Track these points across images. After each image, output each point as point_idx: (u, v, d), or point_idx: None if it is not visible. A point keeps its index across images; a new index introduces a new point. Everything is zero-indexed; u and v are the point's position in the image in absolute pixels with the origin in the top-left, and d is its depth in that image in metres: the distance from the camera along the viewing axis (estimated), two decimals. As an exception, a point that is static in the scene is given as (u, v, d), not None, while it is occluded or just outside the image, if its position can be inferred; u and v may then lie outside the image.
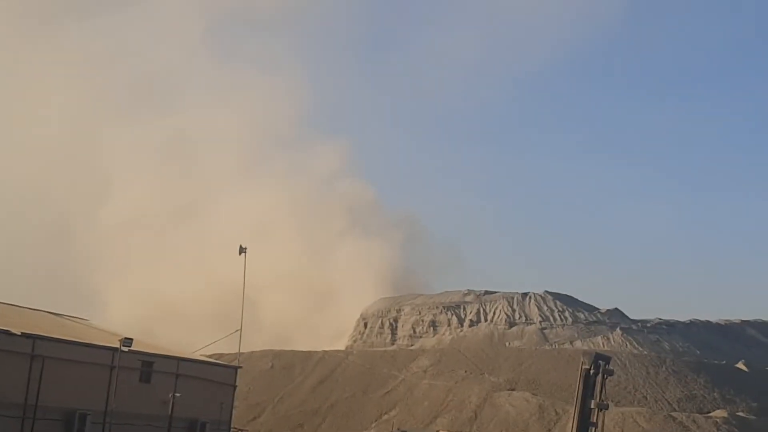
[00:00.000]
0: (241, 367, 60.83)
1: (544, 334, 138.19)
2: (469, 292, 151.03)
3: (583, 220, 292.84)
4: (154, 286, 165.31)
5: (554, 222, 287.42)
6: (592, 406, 36.02)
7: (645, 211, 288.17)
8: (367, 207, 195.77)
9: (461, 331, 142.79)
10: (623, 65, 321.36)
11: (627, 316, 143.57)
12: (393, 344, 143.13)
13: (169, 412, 50.34)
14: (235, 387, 56.66)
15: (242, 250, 60.63)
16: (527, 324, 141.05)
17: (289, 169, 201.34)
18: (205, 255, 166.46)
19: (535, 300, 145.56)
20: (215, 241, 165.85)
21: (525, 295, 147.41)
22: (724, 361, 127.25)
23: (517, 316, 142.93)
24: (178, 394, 50.39)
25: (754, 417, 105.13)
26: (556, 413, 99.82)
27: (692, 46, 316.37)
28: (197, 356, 58.78)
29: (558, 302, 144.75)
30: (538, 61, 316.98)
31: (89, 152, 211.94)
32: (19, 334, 43.74)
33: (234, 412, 57.34)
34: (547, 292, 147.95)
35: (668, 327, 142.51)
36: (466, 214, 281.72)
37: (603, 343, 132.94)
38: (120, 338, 46.63)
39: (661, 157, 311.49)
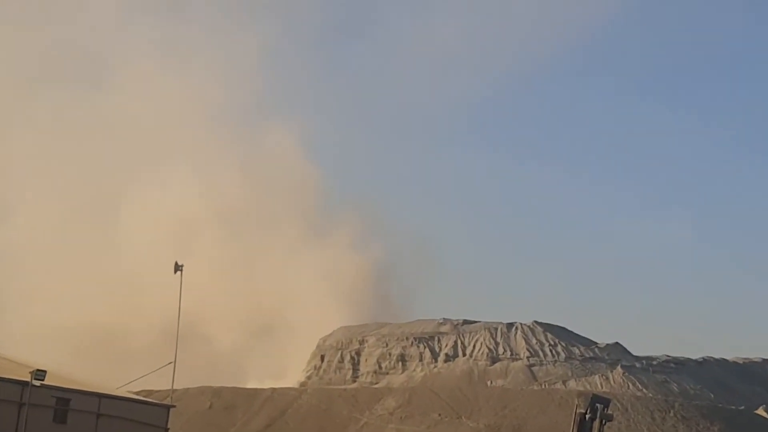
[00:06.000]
0: (174, 407, 60.56)
1: (532, 371, 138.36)
2: (445, 321, 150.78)
3: (579, 238, 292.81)
4: (73, 310, 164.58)
5: (545, 239, 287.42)
6: (588, 457, 36.30)
7: (651, 229, 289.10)
8: (325, 212, 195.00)
9: (435, 366, 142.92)
10: (621, 64, 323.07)
11: (629, 352, 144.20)
12: (354, 381, 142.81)
13: (89, 458, 50.00)
14: (167, 430, 56.43)
15: (178, 267, 60.33)
16: (513, 359, 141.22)
17: (230, 158, 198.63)
18: (131, 272, 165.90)
19: (523, 331, 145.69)
20: (140, 251, 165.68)
21: (510, 325, 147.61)
22: (743, 407, 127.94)
23: (501, 350, 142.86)
24: (99, 438, 50.06)
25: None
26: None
27: (694, 42, 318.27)
28: (123, 393, 58.48)
29: (549, 334, 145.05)
30: (529, 58, 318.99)
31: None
32: None
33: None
34: (536, 322, 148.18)
35: (677, 365, 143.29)
36: (441, 226, 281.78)
37: (601, 383, 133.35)
38: (31, 370, 46.27)
39: (674, 166, 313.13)
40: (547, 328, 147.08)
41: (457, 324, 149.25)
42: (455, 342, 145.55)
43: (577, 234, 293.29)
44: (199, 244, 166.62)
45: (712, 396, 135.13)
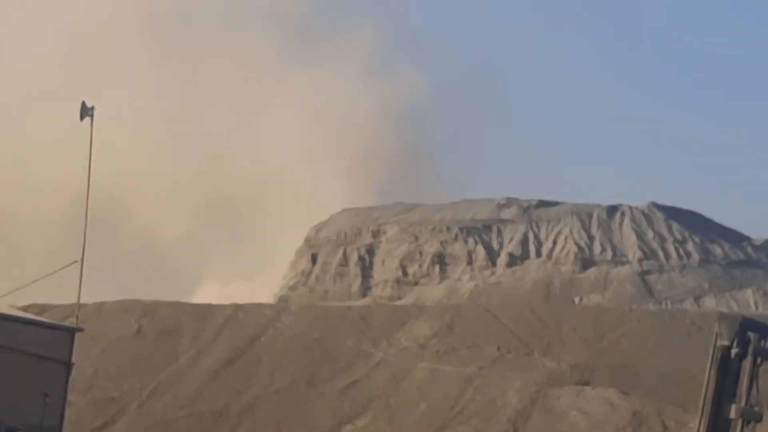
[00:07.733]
0: (81, 330, 61.14)
1: (646, 281, 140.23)
2: (510, 201, 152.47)
3: (728, 61, 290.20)
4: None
5: (671, 65, 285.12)
6: (732, 415, 36.37)
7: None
8: (324, 15, 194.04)
9: (493, 273, 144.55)
10: None
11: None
12: (365, 295, 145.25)
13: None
14: (70, 366, 57.12)
15: (86, 111, 57.75)
16: (616, 263, 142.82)
17: None
18: (6, 119, 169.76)
19: (633, 219, 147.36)
20: (20, 85, 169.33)
21: (614, 209, 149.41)
22: None
23: (597, 248, 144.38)
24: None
25: None
26: (665, 427, 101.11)
27: None
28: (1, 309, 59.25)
29: (674, 224, 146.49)
30: None
31: None
32: None
33: (68, 412, 57.89)
34: (654, 204, 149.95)
35: None
36: (511, 43, 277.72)
37: (756, 301, 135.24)
38: None
39: None
40: (672, 214, 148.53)
41: (529, 207, 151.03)
42: (525, 235, 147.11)
43: (725, 57, 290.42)
44: (118, 70, 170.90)
45: None
